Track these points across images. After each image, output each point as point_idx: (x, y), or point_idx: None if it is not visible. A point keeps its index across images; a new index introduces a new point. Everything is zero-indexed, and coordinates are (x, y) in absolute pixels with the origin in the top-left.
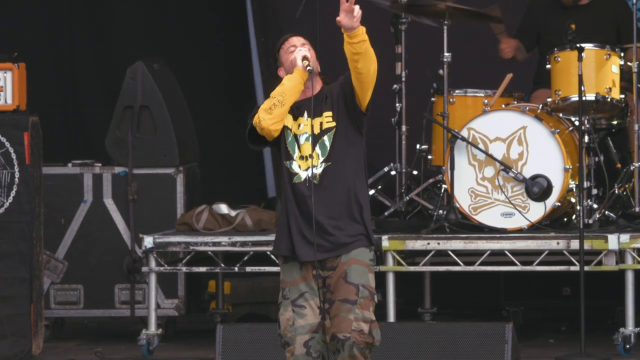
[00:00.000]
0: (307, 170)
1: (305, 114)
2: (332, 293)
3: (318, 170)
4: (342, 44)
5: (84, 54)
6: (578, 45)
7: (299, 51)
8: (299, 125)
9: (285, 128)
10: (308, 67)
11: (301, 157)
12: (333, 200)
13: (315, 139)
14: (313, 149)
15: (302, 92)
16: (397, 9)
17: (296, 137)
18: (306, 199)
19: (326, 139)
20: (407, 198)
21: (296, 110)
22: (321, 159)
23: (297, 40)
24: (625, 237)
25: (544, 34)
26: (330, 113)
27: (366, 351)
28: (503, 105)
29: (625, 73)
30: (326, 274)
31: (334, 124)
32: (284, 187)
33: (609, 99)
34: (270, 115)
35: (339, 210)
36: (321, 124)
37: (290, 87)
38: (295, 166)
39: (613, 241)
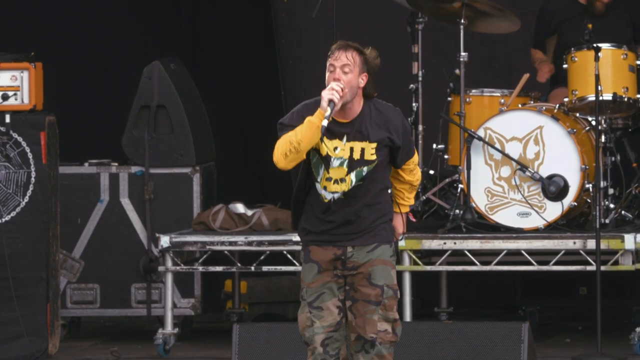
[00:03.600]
0: (334, 193)
1: (345, 138)
2: (355, 291)
3: (348, 191)
4: (359, 42)
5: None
6: (595, 45)
7: (327, 89)
8: (335, 148)
9: (312, 150)
10: (327, 114)
11: (328, 179)
12: (356, 206)
13: (354, 164)
14: (348, 173)
15: (341, 113)
16: (414, 6)
17: (326, 159)
18: (328, 207)
19: (365, 170)
20: (424, 198)
21: (332, 134)
22: (353, 184)
23: (340, 58)
24: None
25: (560, 32)
26: (375, 146)
27: (391, 349)
28: (519, 105)
29: None
30: (347, 273)
31: (375, 157)
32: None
33: (625, 99)
34: (286, 160)
35: (361, 213)
36: (363, 151)
37: (307, 137)
38: (319, 187)
39: (629, 241)
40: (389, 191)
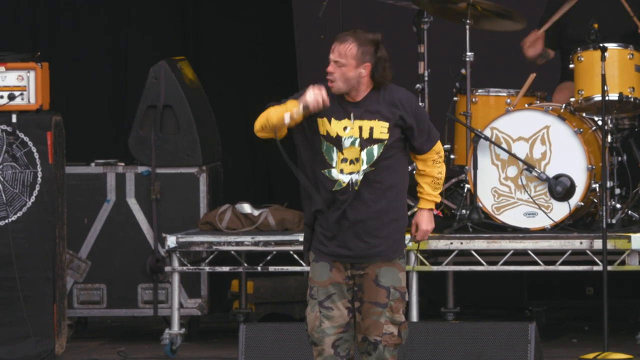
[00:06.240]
0: (350, 174)
1: (352, 116)
2: (363, 293)
3: (360, 177)
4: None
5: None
6: (601, 44)
7: (311, 91)
8: (345, 128)
9: (320, 136)
10: (295, 110)
11: (344, 160)
12: (370, 207)
13: (364, 143)
14: (360, 152)
15: (350, 94)
16: (420, 5)
17: (337, 141)
18: (343, 204)
19: (375, 149)
20: None
21: (341, 113)
22: (365, 166)
23: (334, 50)
24: None
25: (564, 24)
26: (386, 125)
27: (395, 352)
28: (526, 105)
29: None
30: (356, 273)
31: (387, 136)
32: (315, 194)
33: (632, 99)
34: (261, 132)
35: (375, 218)
36: (372, 129)
37: (274, 120)
38: (334, 173)
39: (636, 241)
40: (406, 195)
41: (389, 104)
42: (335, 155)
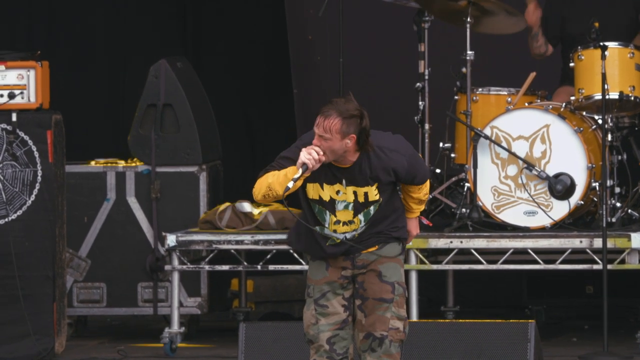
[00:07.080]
0: (344, 233)
1: (344, 182)
2: (365, 290)
3: (359, 231)
4: (364, 42)
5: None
6: (602, 43)
7: (306, 151)
8: (337, 192)
9: (310, 200)
10: (296, 176)
11: (337, 222)
12: (370, 233)
13: (360, 207)
14: (355, 215)
15: (339, 160)
16: (421, 4)
17: (330, 204)
18: (338, 245)
19: (372, 209)
20: (430, 196)
21: (332, 178)
22: (363, 224)
23: (320, 125)
24: None
25: (564, 21)
26: (376, 185)
27: (400, 349)
28: (526, 104)
29: None
30: (357, 272)
31: (379, 197)
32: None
33: (632, 98)
34: (264, 200)
35: (372, 238)
36: (366, 194)
37: (277, 186)
38: (327, 232)
39: (636, 240)
40: (400, 198)
41: (382, 171)
42: (327, 217)
